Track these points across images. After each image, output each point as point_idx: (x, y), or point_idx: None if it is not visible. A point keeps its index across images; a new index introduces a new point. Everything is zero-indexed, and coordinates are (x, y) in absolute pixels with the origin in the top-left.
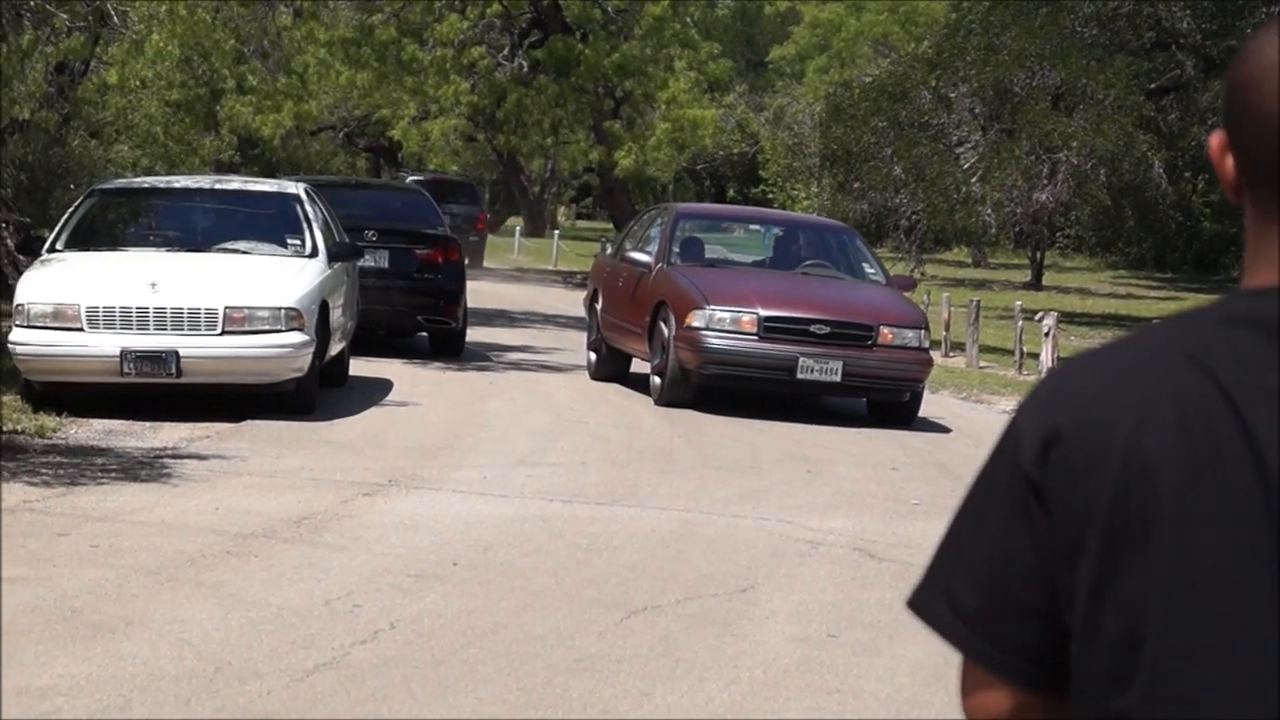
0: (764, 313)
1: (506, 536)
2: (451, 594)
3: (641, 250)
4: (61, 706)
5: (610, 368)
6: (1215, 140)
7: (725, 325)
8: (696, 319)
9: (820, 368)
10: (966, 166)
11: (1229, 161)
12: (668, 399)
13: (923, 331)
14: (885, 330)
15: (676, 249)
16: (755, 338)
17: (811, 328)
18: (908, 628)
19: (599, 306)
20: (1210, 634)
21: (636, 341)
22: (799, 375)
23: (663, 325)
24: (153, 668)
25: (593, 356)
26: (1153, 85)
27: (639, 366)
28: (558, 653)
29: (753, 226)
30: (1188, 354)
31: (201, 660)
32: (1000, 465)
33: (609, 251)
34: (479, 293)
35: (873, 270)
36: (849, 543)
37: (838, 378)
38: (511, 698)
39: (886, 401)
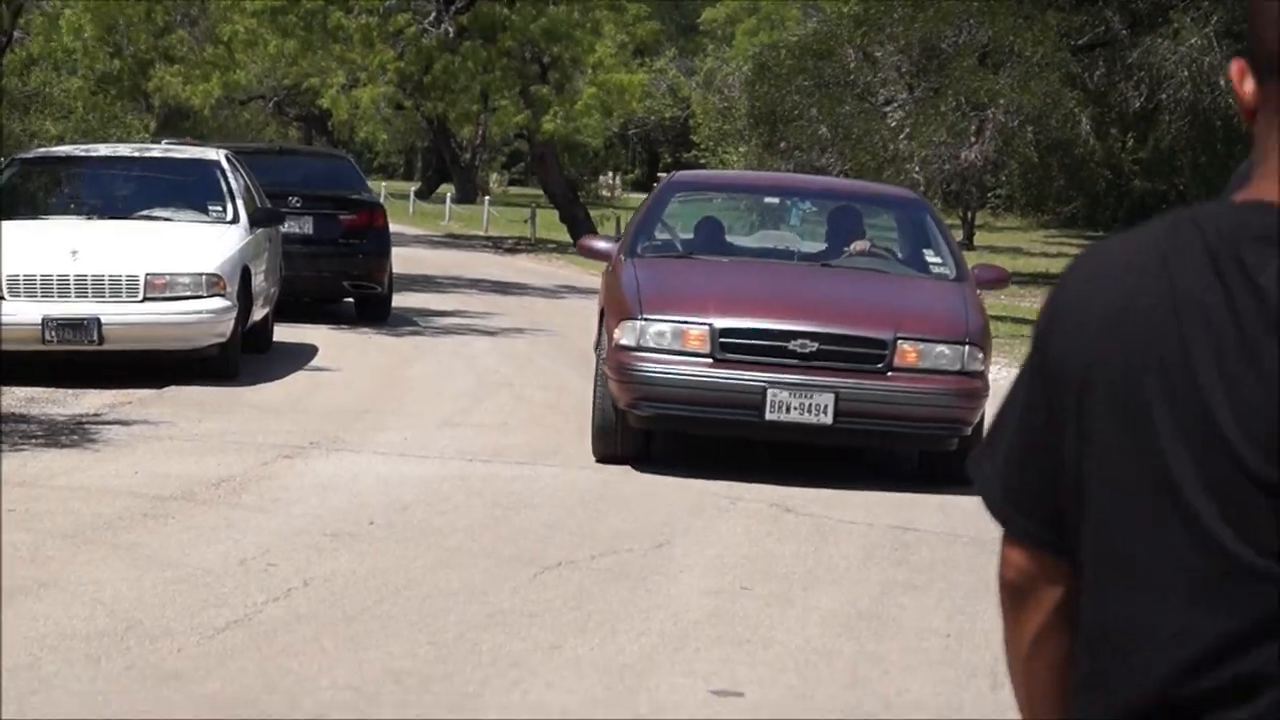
0: (720, 323)
1: (425, 496)
2: (366, 552)
3: (606, 237)
4: None
5: None
6: (1236, 66)
7: (665, 343)
8: (626, 334)
9: (801, 404)
10: (893, 125)
11: (1248, 85)
12: (600, 450)
13: (967, 348)
14: (906, 346)
15: (659, 233)
16: (707, 360)
17: (791, 344)
18: (821, 580)
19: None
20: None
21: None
22: (768, 415)
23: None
24: (64, 627)
25: None
26: (1079, 42)
27: None
28: (470, 608)
29: (768, 200)
30: (1194, 245)
31: (113, 619)
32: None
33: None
34: (408, 259)
35: (938, 259)
36: (767, 499)
37: (828, 418)
38: (422, 651)
39: (927, 450)
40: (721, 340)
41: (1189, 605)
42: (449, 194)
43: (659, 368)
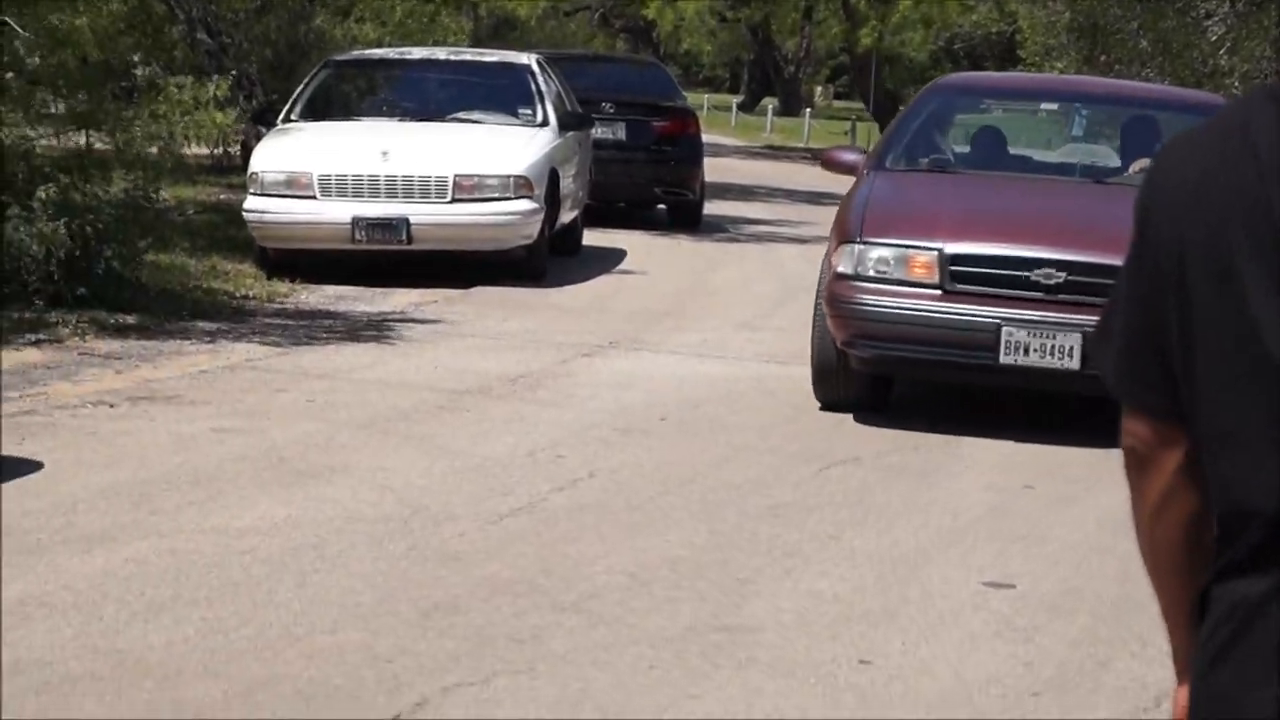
0: (951, 248)
1: (718, 394)
2: (655, 447)
3: (856, 148)
4: (257, 545)
5: None
6: None
7: (887, 271)
8: (844, 260)
9: (1042, 345)
10: (1214, 39)
11: None
12: (821, 395)
13: None
14: None
15: (920, 145)
16: (935, 292)
17: (1034, 274)
18: (1107, 481)
19: None
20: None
21: None
22: (1003, 357)
23: None
24: (350, 511)
25: None
26: None
27: None
28: (752, 500)
29: (1045, 106)
30: (1270, 114)
31: (400, 504)
32: None
33: None
34: (725, 168)
35: None
36: (1070, 396)
37: (1074, 362)
38: (699, 540)
39: None
40: (952, 269)
41: None
42: (770, 106)
43: (878, 300)
